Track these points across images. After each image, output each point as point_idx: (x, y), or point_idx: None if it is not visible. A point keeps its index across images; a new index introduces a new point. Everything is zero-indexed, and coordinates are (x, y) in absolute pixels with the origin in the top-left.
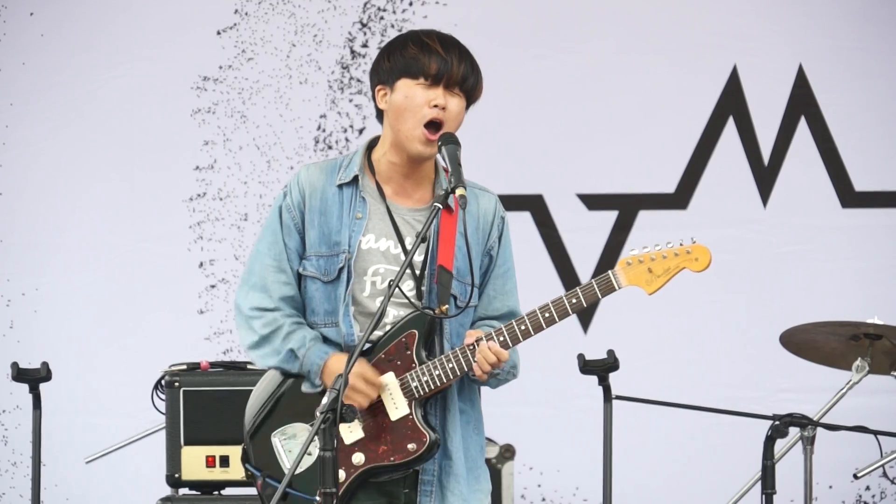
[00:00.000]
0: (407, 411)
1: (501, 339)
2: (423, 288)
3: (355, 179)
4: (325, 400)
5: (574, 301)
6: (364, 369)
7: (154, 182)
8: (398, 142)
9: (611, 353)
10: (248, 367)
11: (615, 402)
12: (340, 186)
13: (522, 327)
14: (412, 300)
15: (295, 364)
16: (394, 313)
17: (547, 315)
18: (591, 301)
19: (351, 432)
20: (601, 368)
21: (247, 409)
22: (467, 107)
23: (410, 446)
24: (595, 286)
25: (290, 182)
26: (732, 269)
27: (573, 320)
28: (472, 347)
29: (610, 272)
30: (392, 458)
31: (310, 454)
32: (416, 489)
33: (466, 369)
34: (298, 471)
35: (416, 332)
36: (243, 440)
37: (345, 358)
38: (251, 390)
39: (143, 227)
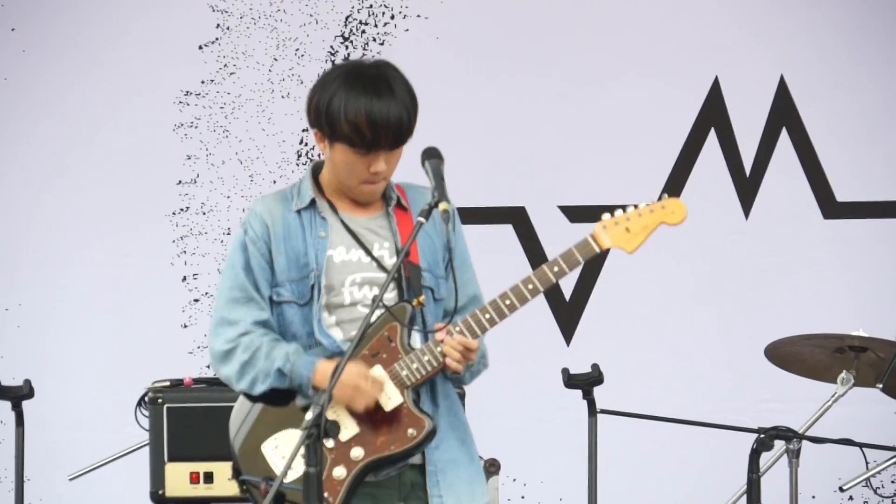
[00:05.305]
0: (401, 400)
1: (468, 328)
2: (403, 285)
3: (312, 202)
4: (308, 415)
5: (556, 269)
6: (362, 368)
7: (137, 197)
8: (339, 185)
9: (595, 367)
10: None
11: (599, 416)
12: (299, 212)
13: (487, 316)
14: (384, 303)
15: (284, 381)
16: (375, 314)
17: (531, 287)
18: (574, 266)
19: (346, 429)
20: (585, 383)
21: (230, 427)
22: None
23: (410, 432)
24: (576, 252)
25: (246, 218)
26: (715, 280)
27: (555, 332)
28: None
29: (588, 236)
30: (392, 447)
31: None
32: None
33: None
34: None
35: (398, 324)
36: (232, 459)
37: (332, 364)
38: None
39: (126, 241)
